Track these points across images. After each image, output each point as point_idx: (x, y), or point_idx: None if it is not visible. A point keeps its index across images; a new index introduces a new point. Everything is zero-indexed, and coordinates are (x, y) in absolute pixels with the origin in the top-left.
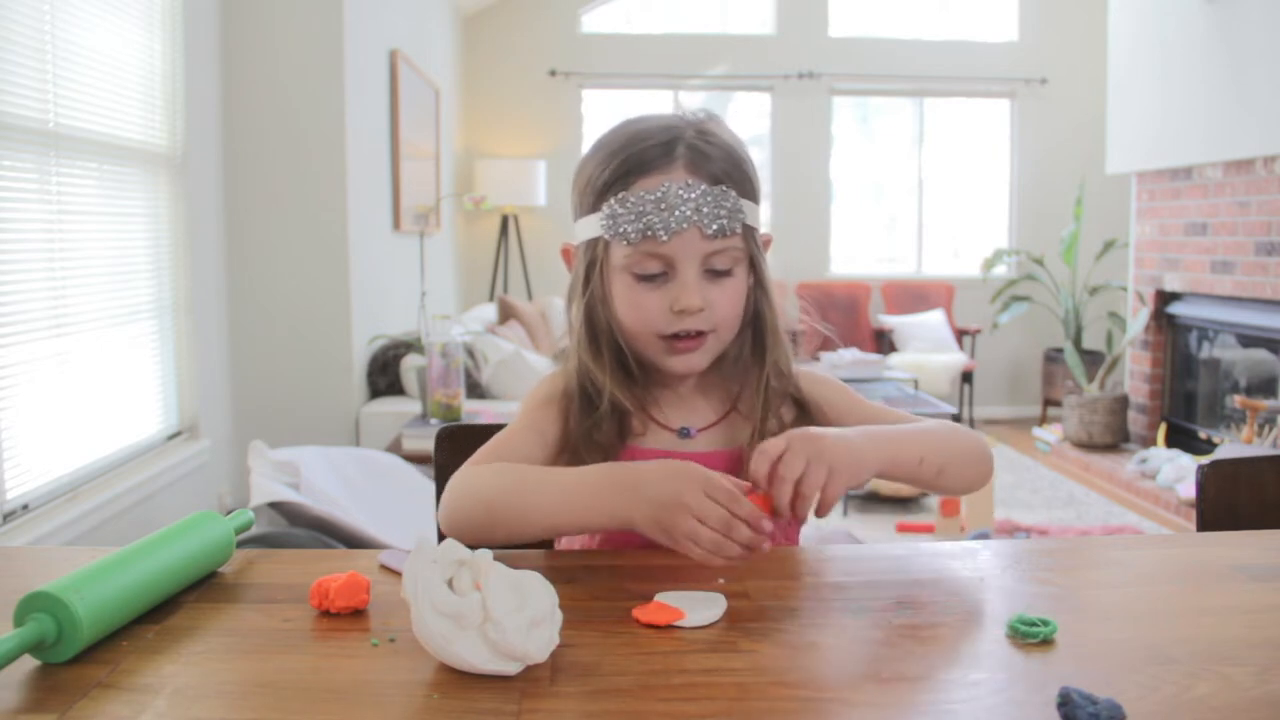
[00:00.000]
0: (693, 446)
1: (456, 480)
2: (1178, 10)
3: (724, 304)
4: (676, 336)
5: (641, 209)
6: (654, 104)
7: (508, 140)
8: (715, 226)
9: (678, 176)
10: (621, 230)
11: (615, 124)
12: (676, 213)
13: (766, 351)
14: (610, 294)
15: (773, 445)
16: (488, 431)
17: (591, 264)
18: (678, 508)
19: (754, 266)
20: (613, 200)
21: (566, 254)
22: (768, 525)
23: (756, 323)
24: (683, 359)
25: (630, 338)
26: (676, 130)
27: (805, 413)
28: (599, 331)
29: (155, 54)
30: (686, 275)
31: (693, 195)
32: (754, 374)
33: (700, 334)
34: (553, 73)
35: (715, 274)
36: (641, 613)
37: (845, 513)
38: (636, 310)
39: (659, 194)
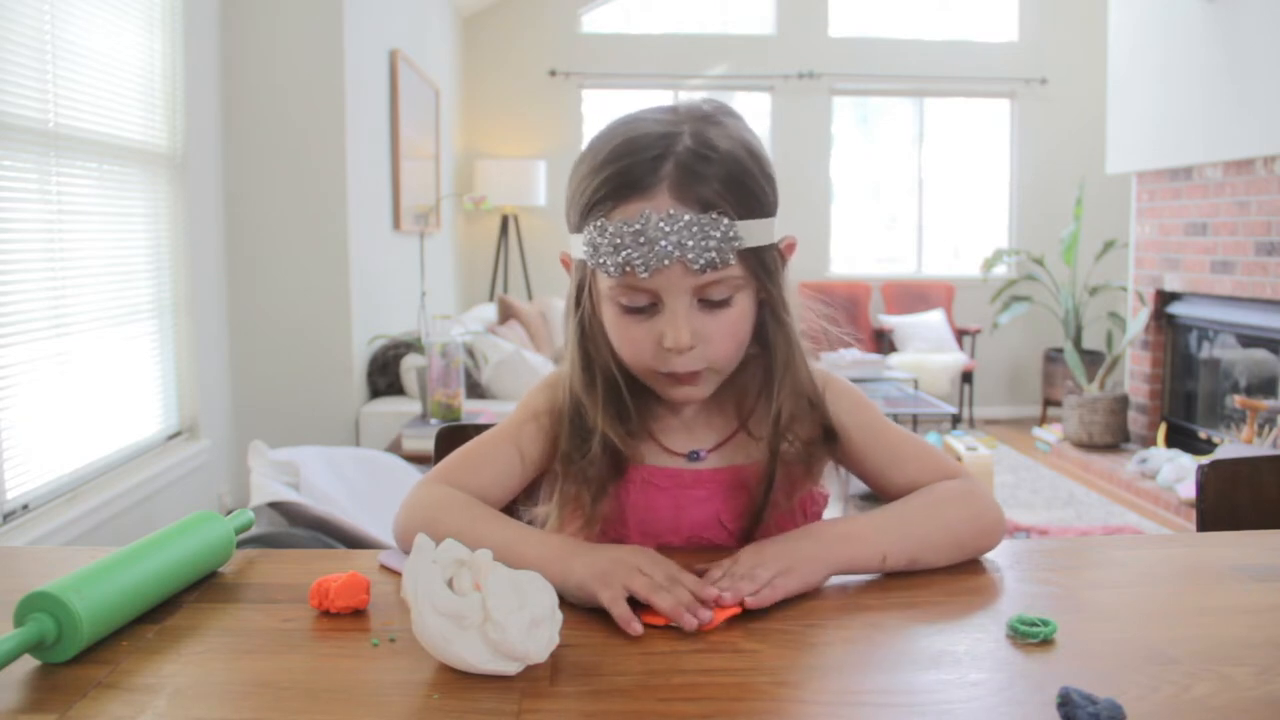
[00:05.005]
0: (700, 466)
1: (418, 497)
2: (1178, 10)
3: (719, 338)
4: (672, 372)
5: (620, 241)
6: (648, 104)
7: (508, 140)
8: (702, 261)
9: (661, 204)
10: (601, 261)
11: (612, 122)
12: (657, 248)
13: (775, 384)
14: (601, 317)
15: (747, 563)
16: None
17: (581, 285)
18: (628, 566)
19: (764, 289)
20: (592, 227)
21: (565, 263)
22: (705, 614)
23: (764, 344)
24: (681, 391)
25: (626, 366)
26: (669, 141)
27: (830, 436)
28: (592, 357)
29: (155, 54)
30: (674, 310)
31: (675, 228)
32: (765, 399)
33: (695, 370)
34: (553, 73)
35: (711, 304)
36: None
37: (846, 510)
38: (626, 343)
39: (638, 226)
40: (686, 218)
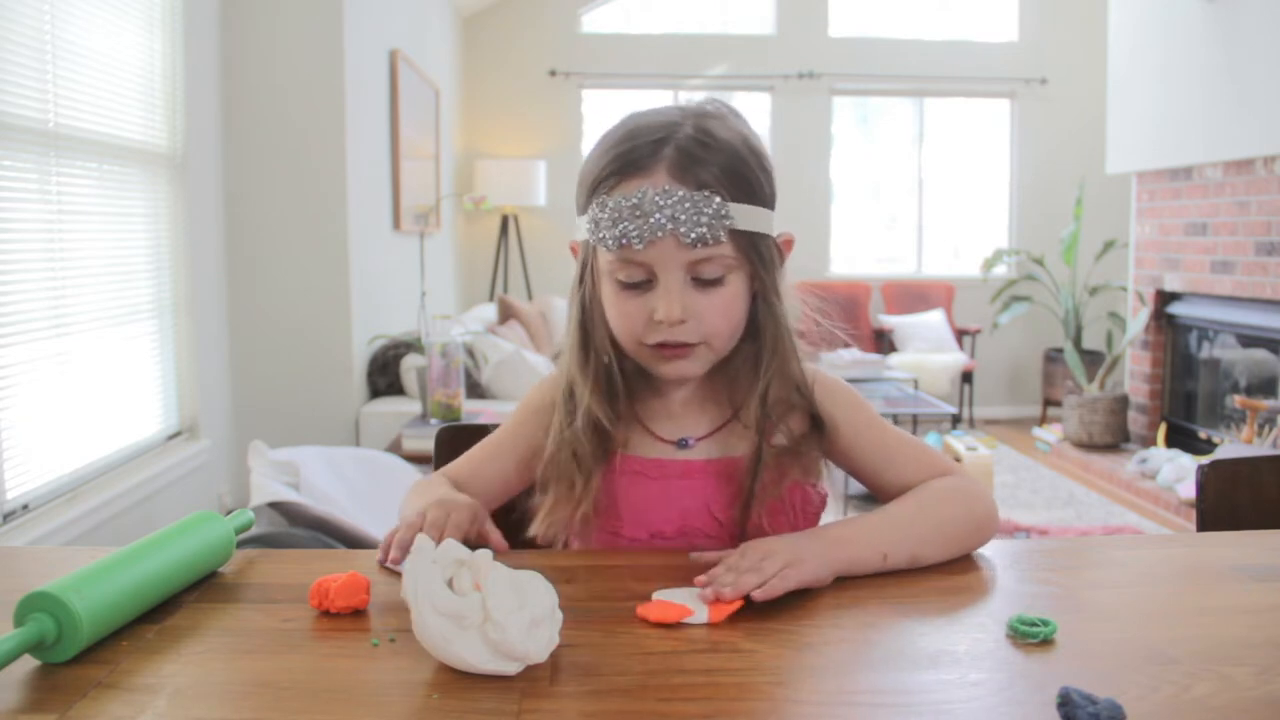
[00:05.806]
0: (690, 455)
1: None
2: (1178, 10)
3: (711, 315)
4: (663, 344)
5: (618, 215)
6: (656, 104)
7: (508, 140)
8: (694, 235)
9: (658, 180)
10: (601, 236)
11: (623, 116)
12: (651, 220)
13: (761, 367)
14: (600, 297)
15: (754, 556)
16: (486, 432)
17: (584, 265)
18: (424, 506)
19: (758, 275)
20: (595, 204)
21: (573, 249)
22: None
23: (757, 335)
24: (673, 366)
25: (620, 343)
26: (672, 128)
27: (818, 428)
28: (590, 337)
29: (155, 54)
30: (667, 285)
31: (669, 201)
32: (754, 385)
33: (687, 344)
34: (553, 73)
35: (704, 283)
36: (648, 611)
37: (845, 512)
38: (621, 318)
39: (635, 200)
40: (681, 193)
